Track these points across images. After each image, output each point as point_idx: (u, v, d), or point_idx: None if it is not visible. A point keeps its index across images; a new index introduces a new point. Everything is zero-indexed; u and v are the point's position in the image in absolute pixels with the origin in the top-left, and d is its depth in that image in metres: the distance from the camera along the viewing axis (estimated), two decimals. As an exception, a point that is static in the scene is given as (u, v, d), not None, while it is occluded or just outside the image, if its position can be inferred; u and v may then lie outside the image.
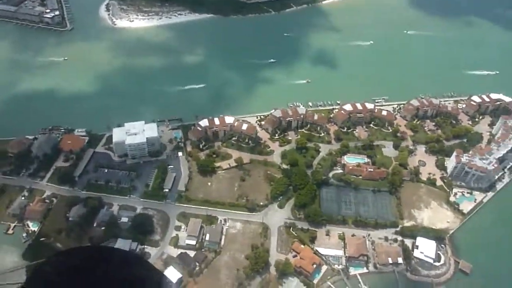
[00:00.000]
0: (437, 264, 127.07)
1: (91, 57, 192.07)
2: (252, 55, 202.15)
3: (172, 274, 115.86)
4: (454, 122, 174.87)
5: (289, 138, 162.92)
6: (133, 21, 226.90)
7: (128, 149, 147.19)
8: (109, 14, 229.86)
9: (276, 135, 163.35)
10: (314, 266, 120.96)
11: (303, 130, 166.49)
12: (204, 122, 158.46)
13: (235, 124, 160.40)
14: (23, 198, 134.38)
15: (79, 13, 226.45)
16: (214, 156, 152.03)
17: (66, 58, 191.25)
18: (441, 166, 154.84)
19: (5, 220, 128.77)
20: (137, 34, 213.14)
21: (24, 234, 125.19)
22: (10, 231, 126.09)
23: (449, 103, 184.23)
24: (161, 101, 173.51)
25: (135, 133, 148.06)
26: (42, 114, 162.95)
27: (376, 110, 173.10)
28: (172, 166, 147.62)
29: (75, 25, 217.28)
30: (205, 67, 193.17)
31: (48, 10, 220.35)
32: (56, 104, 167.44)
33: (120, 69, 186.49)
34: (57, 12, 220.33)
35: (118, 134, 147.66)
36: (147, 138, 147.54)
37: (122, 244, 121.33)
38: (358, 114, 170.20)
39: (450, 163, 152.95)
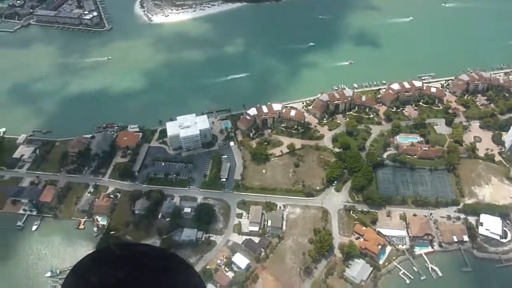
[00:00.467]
0: (504, 240, 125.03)
1: (133, 54, 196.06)
2: (290, 40, 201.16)
3: (240, 260, 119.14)
4: (507, 95, 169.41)
5: (338, 121, 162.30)
6: (168, 15, 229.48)
7: (183, 142, 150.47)
8: (144, 11, 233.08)
9: (324, 119, 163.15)
10: (379, 247, 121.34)
11: (351, 112, 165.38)
12: (252, 111, 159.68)
13: (283, 111, 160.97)
14: (88, 194, 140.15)
15: (115, 12, 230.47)
16: (266, 143, 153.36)
17: (109, 57, 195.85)
18: (498, 141, 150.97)
19: (75, 216, 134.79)
20: (175, 29, 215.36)
21: (95, 229, 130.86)
22: (82, 226, 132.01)
23: (500, 76, 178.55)
24: (206, 93, 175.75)
25: (188, 126, 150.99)
26: (95, 113, 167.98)
27: (424, 88, 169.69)
28: (225, 156, 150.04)
29: (113, 25, 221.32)
30: (246, 56, 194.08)
31: (86, 12, 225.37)
32: (107, 103, 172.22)
33: (163, 64, 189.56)
34: (95, 13, 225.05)
35: (172, 128, 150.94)
36: (200, 130, 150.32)
37: (188, 233, 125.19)
38: (406, 93, 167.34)
39: (508, 137, 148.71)
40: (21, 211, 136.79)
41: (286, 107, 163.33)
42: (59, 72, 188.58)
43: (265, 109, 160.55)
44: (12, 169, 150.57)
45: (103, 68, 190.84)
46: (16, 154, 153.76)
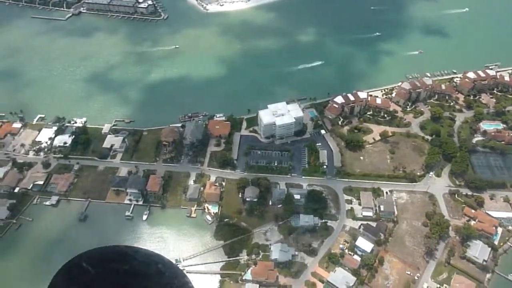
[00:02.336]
0: None
1: (202, 43, 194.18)
2: (355, 30, 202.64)
3: (364, 244, 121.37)
4: None
5: (421, 109, 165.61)
6: (223, 5, 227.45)
7: (277, 130, 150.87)
8: (197, 0, 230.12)
9: (408, 107, 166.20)
10: (494, 228, 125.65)
11: (431, 100, 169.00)
12: (339, 99, 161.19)
13: (369, 99, 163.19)
14: (193, 183, 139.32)
15: (167, 2, 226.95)
16: (356, 131, 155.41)
17: (177, 46, 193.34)
18: None
19: (184, 204, 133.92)
20: (238, 18, 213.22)
21: (208, 217, 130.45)
22: (194, 215, 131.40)
23: None
24: (285, 81, 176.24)
25: (282, 114, 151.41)
26: (176, 102, 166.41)
27: (498, 77, 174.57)
28: (319, 144, 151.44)
29: (168, 14, 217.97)
30: (317, 45, 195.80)
31: (141, 0, 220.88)
32: (187, 92, 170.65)
33: (238, 53, 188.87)
34: (149, 2, 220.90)
35: (266, 116, 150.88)
36: (294, 118, 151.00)
37: (306, 219, 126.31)
38: (482, 82, 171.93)
39: None
40: (126, 201, 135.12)
41: (371, 95, 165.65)
42: (133, 61, 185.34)
43: (351, 97, 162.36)
44: (105, 159, 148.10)
45: (175, 57, 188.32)
46: (106, 144, 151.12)
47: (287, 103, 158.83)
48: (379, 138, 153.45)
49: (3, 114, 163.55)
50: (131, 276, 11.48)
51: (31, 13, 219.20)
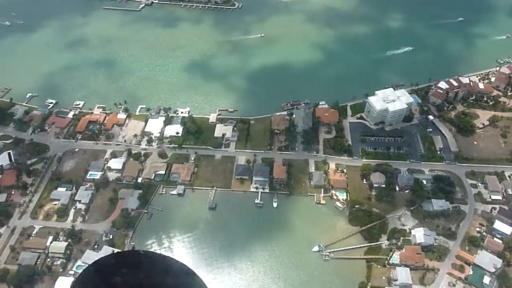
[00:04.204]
0: None
1: (289, 31, 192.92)
2: (437, 16, 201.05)
3: (503, 227, 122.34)
4: None
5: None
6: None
7: (389, 116, 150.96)
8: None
9: (508, 91, 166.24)
10: None
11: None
12: (443, 84, 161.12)
13: (471, 84, 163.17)
14: (314, 170, 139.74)
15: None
16: (464, 116, 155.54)
17: (262, 34, 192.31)
18: None
19: (310, 191, 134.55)
20: (319, 5, 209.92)
21: (337, 203, 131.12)
22: (323, 201, 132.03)
23: None
24: (378, 67, 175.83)
25: (393, 100, 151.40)
26: (276, 90, 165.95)
27: None
28: (430, 129, 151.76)
29: (243, 3, 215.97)
30: (404, 30, 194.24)
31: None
32: (284, 80, 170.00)
33: (327, 40, 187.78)
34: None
35: (377, 103, 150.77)
36: (406, 103, 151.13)
37: (440, 204, 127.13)
38: None
39: None
40: (252, 189, 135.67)
41: (472, 80, 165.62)
42: (227, 50, 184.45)
43: (454, 82, 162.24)
44: (219, 148, 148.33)
45: (266, 45, 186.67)
46: (217, 133, 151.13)
47: (394, 89, 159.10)
48: (487, 123, 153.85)
49: (104, 106, 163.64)
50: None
51: (102, 4, 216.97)
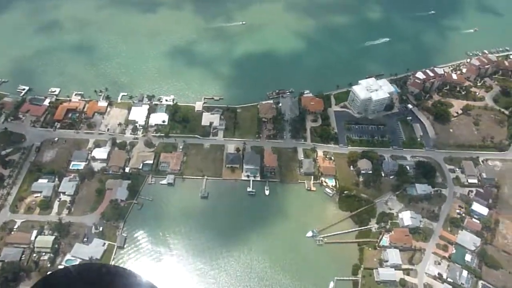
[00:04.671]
0: None
1: (270, 19, 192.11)
2: (410, 8, 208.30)
3: (480, 208, 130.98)
4: None
5: (488, 84, 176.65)
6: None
7: (372, 105, 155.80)
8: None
9: (478, 82, 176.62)
10: None
11: (496, 76, 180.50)
12: (420, 75, 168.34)
13: (445, 75, 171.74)
14: (302, 158, 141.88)
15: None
16: (439, 105, 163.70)
17: (244, 22, 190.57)
18: None
19: (301, 179, 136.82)
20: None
21: (327, 189, 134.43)
22: (313, 188, 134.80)
23: None
24: (358, 57, 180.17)
25: (376, 89, 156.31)
26: (260, 79, 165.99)
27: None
28: (410, 118, 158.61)
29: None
30: (380, 22, 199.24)
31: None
32: (268, 68, 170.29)
33: (308, 29, 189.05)
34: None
35: (361, 92, 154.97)
36: (388, 93, 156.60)
37: (423, 188, 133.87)
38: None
39: None
40: (243, 177, 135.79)
41: (447, 72, 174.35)
42: (210, 37, 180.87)
43: (430, 73, 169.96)
44: (207, 137, 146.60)
45: (248, 33, 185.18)
46: (204, 122, 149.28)
47: (375, 78, 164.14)
48: (461, 112, 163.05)
49: (82, 93, 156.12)
50: None
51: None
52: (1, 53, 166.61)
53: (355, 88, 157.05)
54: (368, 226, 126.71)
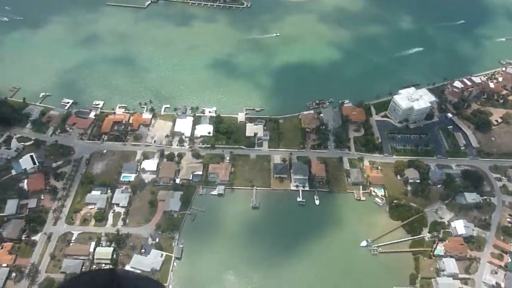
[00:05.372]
0: None
1: (303, 30, 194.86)
2: (438, 19, 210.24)
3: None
4: None
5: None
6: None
7: (413, 114, 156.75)
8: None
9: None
10: None
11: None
12: (457, 84, 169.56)
13: (482, 83, 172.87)
14: (348, 168, 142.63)
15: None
16: (479, 114, 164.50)
17: (278, 34, 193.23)
18: None
19: (349, 189, 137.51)
20: (329, 5, 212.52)
21: (377, 199, 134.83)
22: (363, 198, 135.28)
23: None
24: (392, 67, 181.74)
25: (417, 99, 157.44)
26: (299, 89, 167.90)
27: None
28: (451, 127, 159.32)
29: (251, 2, 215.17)
30: (408, 32, 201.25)
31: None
32: (306, 78, 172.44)
33: (339, 39, 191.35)
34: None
35: (403, 101, 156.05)
36: (429, 102, 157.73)
37: (472, 197, 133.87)
38: None
39: None
40: (292, 188, 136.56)
41: (484, 80, 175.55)
42: (246, 49, 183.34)
43: (467, 82, 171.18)
44: (252, 147, 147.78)
45: (283, 44, 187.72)
46: (248, 133, 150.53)
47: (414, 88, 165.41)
48: (500, 120, 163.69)
49: (125, 105, 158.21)
50: None
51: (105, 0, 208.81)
52: (44, 67, 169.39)
53: (396, 97, 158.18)
54: (421, 235, 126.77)
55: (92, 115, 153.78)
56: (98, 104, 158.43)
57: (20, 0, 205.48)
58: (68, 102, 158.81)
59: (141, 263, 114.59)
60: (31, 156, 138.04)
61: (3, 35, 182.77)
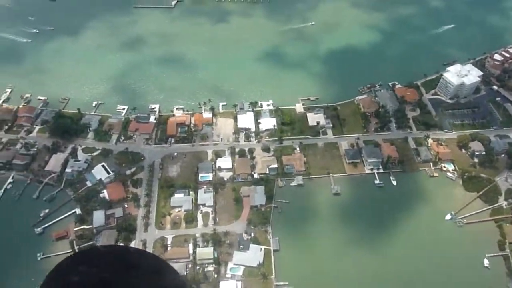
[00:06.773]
0: None
1: (337, 17, 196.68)
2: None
3: None
4: None
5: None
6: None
7: (463, 89, 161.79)
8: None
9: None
10: None
11: None
12: (497, 56, 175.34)
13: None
14: (414, 146, 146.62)
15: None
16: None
17: (313, 23, 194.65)
18: None
19: (422, 167, 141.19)
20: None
21: (449, 174, 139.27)
22: (435, 174, 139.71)
23: None
24: (428, 45, 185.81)
25: (465, 74, 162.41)
26: (346, 75, 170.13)
27: None
28: (499, 98, 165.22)
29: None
30: (440, 9, 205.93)
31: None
32: (351, 64, 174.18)
33: (375, 22, 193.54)
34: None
35: (453, 78, 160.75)
36: (478, 76, 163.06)
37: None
38: None
39: None
40: (367, 171, 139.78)
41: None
42: (287, 40, 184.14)
43: (506, 54, 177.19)
44: (317, 136, 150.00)
45: (323, 32, 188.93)
46: (311, 122, 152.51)
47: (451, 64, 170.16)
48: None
49: (182, 107, 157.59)
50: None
51: (131, 3, 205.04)
52: (89, 75, 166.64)
53: (446, 75, 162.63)
54: (499, 203, 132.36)
55: (152, 119, 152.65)
56: (154, 108, 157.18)
57: (43, 10, 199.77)
58: (123, 109, 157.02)
59: (242, 259, 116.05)
60: (103, 166, 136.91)
61: (39, 47, 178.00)
